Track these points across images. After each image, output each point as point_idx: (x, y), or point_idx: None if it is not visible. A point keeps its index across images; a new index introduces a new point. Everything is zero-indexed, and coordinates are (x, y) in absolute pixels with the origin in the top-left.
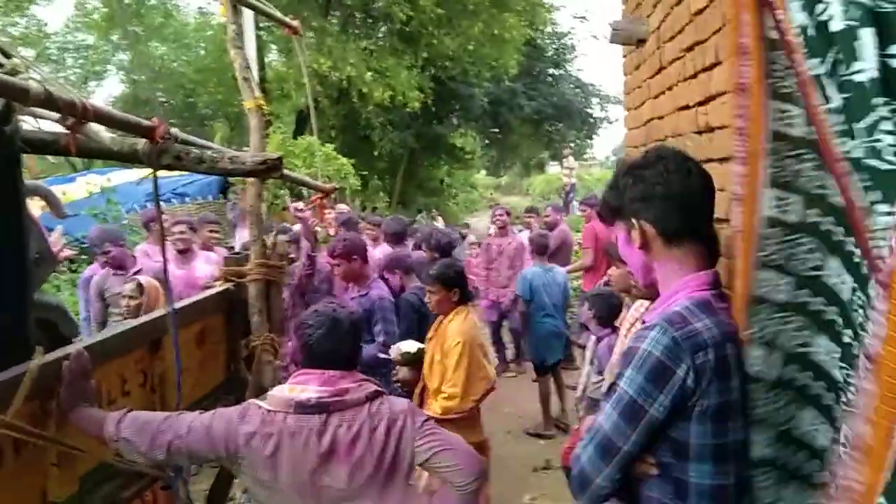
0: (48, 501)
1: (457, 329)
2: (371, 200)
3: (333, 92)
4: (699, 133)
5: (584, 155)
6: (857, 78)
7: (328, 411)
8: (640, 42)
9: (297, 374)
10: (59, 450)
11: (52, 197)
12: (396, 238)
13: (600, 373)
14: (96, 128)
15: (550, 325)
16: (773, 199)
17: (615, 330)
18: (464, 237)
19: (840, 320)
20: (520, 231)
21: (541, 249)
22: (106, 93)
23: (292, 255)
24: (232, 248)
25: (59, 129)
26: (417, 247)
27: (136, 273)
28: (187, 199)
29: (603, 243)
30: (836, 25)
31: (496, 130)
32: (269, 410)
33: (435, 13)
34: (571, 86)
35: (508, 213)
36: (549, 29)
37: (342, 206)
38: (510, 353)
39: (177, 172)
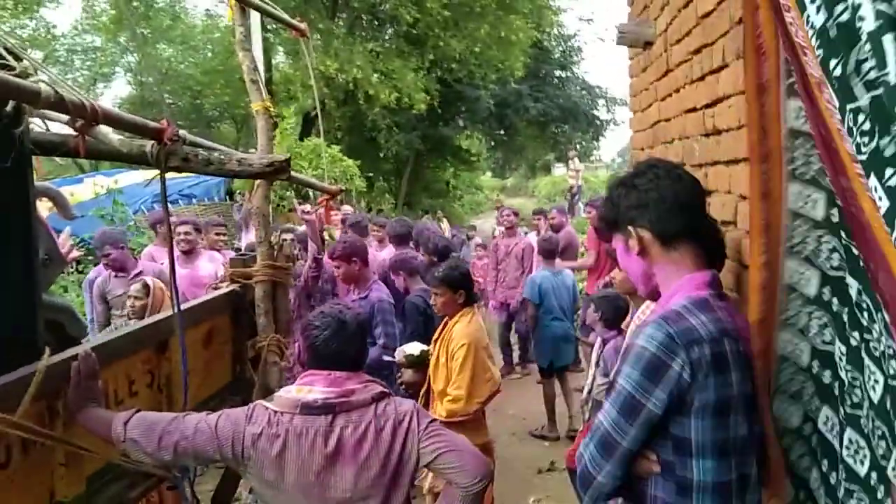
0: (55, 501)
1: (462, 331)
2: (377, 202)
3: (340, 94)
4: (706, 135)
5: (590, 157)
6: (888, 79)
7: (334, 412)
8: (647, 44)
9: (303, 375)
10: (66, 450)
11: (61, 198)
12: (400, 240)
13: (606, 375)
14: (105, 130)
15: (559, 329)
16: (797, 194)
17: (621, 332)
18: (470, 239)
19: (847, 321)
20: (526, 234)
21: (549, 253)
22: (113, 94)
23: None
24: (238, 249)
25: (67, 130)
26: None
27: (136, 275)
28: (194, 201)
29: (605, 245)
30: (868, 26)
31: (502, 132)
32: (275, 411)
33: (441, 15)
34: (578, 88)
35: (516, 214)
36: (555, 31)
37: (347, 208)
38: (516, 355)
39: (183, 174)
